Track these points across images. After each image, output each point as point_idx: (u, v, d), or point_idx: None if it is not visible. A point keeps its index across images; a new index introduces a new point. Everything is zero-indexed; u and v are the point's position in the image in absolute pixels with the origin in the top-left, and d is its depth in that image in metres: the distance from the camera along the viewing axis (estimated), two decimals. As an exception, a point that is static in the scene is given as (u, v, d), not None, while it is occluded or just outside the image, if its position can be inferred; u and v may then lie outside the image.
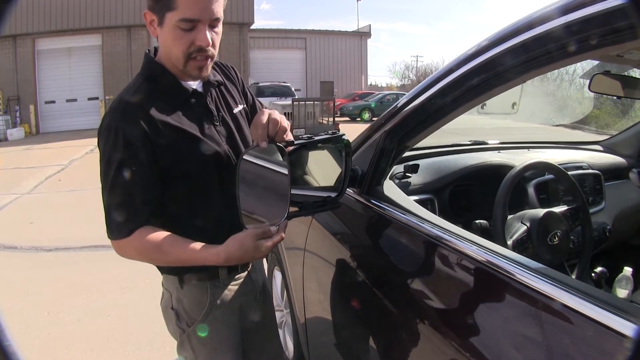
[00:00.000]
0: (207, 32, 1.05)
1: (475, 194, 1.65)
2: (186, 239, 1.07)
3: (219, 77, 1.23)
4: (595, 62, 1.74)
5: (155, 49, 1.18)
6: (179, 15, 1.02)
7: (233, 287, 1.25)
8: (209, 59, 1.10)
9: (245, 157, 1.02)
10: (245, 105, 1.30)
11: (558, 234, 1.37)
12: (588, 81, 1.72)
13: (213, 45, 1.08)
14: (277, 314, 2.09)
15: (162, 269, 1.22)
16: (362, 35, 29.99)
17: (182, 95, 1.14)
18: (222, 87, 1.24)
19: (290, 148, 1.11)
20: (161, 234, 1.06)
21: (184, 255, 1.06)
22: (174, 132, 1.10)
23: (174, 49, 1.07)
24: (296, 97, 13.60)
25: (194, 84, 1.17)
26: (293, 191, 1.05)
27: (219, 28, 1.10)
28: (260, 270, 1.39)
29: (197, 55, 1.07)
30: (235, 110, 1.24)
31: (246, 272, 1.29)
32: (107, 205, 1.08)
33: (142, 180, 1.06)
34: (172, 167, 1.10)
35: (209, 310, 1.20)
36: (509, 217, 1.39)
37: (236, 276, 1.26)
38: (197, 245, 1.06)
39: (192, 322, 1.21)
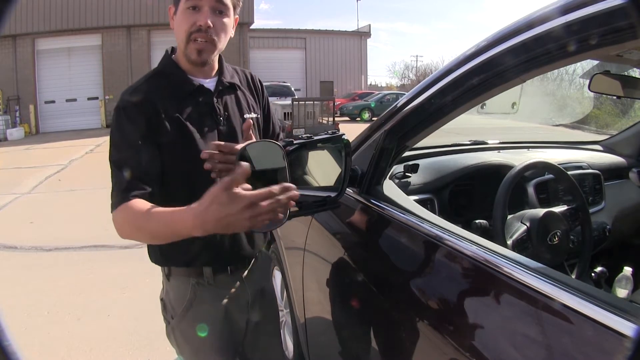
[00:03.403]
0: (210, 15, 1.10)
1: (475, 193, 1.65)
2: (168, 208, 0.95)
3: (236, 80, 1.26)
4: (595, 62, 1.73)
5: (173, 49, 1.23)
6: None
7: (221, 288, 1.24)
8: (209, 44, 1.12)
9: (243, 153, 1.02)
10: (259, 116, 1.31)
11: (558, 233, 1.37)
12: (588, 81, 1.72)
13: (215, 31, 1.11)
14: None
15: (151, 258, 1.23)
16: (362, 35, 30.01)
17: (187, 89, 1.16)
18: (239, 92, 1.26)
19: (290, 148, 1.11)
20: (147, 205, 1.00)
21: (157, 221, 0.96)
22: (175, 124, 1.12)
23: (180, 33, 1.13)
24: (296, 96, 13.57)
25: (206, 82, 1.19)
26: (293, 191, 1.05)
27: (227, 20, 1.14)
28: (260, 274, 1.37)
29: (197, 37, 1.11)
30: (247, 116, 1.24)
31: (239, 275, 1.28)
32: (112, 179, 1.10)
33: (141, 158, 1.08)
34: (170, 164, 1.11)
35: (189, 306, 1.21)
36: (509, 216, 1.39)
37: (226, 278, 1.25)
38: (171, 210, 0.93)
39: (175, 315, 1.23)
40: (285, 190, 0.83)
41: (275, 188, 0.82)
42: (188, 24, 1.10)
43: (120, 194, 1.03)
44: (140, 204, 1.02)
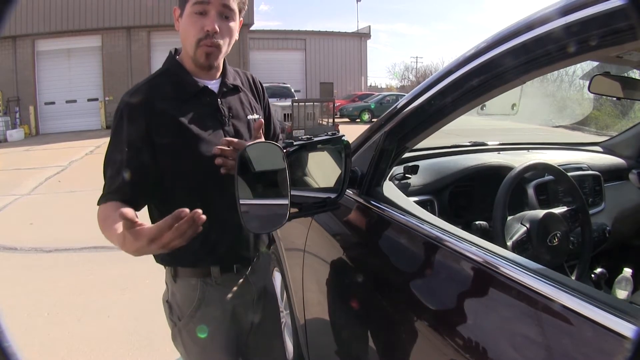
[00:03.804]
0: (217, 20, 1.10)
1: (475, 195, 1.65)
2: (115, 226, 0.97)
3: (238, 82, 1.26)
4: (595, 63, 1.74)
5: (177, 50, 1.23)
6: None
7: (227, 287, 1.24)
8: (216, 48, 1.13)
9: (243, 154, 1.02)
10: (261, 117, 1.31)
11: (558, 235, 1.37)
12: (588, 82, 1.72)
13: (221, 35, 1.12)
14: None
15: (156, 258, 1.23)
16: (362, 36, 30.02)
17: (192, 90, 1.17)
18: (242, 94, 1.26)
19: (290, 149, 1.11)
20: (112, 213, 1.01)
21: (107, 235, 1.02)
22: (175, 125, 1.12)
23: (188, 37, 1.13)
24: (296, 98, 13.59)
25: (210, 83, 1.19)
26: (293, 192, 1.05)
27: (232, 24, 1.15)
28: (262, 272, 1.38)
29: (205, 42, 1.11)
30: (250, 117, 1.26)
31: (244, 274, 1.28)
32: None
33: (130, 162, 1.09)
34: (171, 165, 1.11)
35: (198, 307, 1.21)
36: (509, 218, 1.39)
37: (232, 277, 1.26)
38: (114, 229, 0.97)
39: (183, 316, 1.22)
40: (178, 218, 0.82)
41: (169, 220, 0.83)
42: (196, 29, 1.10)
43: (102, 195, 1.10)
44: (110, 209, 1.04)
